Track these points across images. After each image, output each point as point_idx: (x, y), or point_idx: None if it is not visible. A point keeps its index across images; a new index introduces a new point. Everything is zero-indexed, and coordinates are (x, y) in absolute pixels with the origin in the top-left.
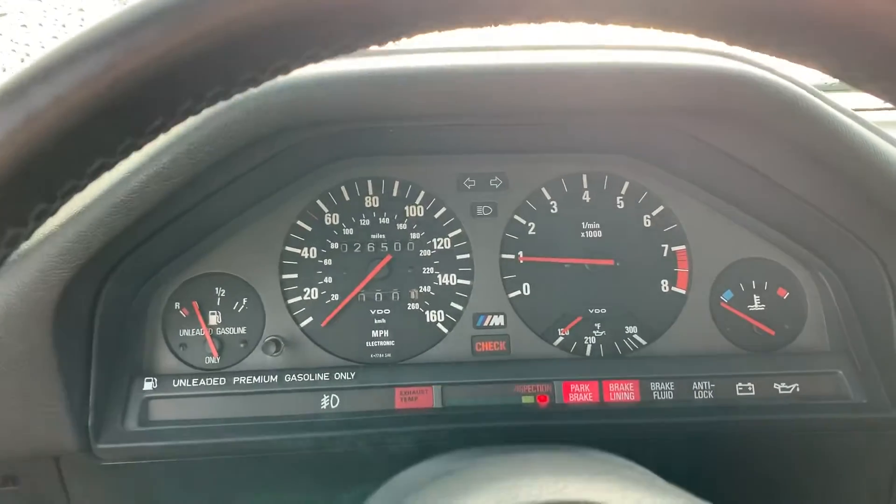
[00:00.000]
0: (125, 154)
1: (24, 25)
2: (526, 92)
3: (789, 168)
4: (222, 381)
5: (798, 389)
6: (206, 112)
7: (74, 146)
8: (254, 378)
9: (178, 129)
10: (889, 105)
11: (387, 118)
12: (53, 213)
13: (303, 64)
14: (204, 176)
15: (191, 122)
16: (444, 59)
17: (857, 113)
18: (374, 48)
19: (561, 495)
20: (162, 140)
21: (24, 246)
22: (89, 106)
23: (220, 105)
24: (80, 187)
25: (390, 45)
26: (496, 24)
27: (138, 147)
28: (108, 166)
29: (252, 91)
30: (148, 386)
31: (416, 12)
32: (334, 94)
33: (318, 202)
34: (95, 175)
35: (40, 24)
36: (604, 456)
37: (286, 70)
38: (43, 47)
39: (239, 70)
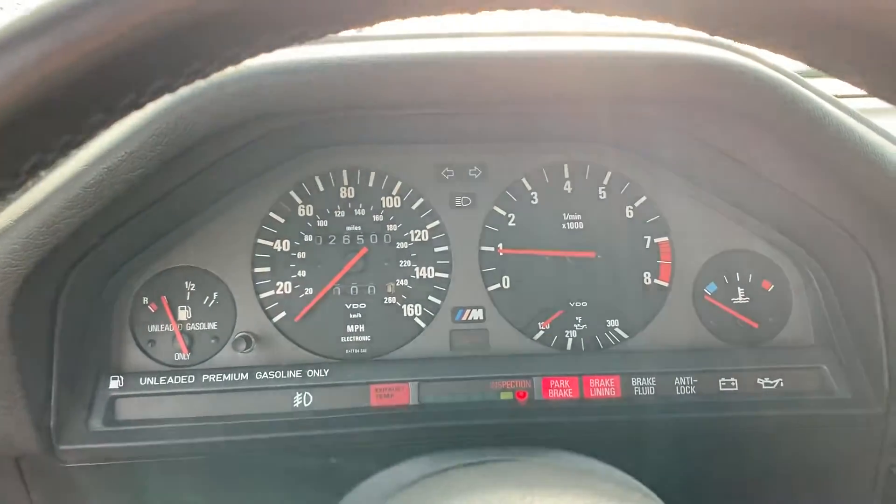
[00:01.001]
0: (63, 152)
1: None
2: (503, 79)
3: (773, 158)
4: (191, 378)
5: (782, 384)
6: (165, 102)
7: (9, 141)
8: (224, 376)
9: (133, 122)
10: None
11: (359, 107)
12: None
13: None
14: (169, 166)
15: (148, 112)
16: (416, 45)
17: (840, 100)
18: (344, 34)
19: None
20: (117, 133)
21: None
22: (20, 100)
23: (181, 93)
24: (13, 188)
25: (362, 31)
26: (491, 10)
27: (77, 144)
28: (45, 164)
29: (213, 79)
30: (114, 384)
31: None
32: (299, 83)
33: (292, 193)
34: (31, 175)
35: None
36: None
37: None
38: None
39: (186, 60)
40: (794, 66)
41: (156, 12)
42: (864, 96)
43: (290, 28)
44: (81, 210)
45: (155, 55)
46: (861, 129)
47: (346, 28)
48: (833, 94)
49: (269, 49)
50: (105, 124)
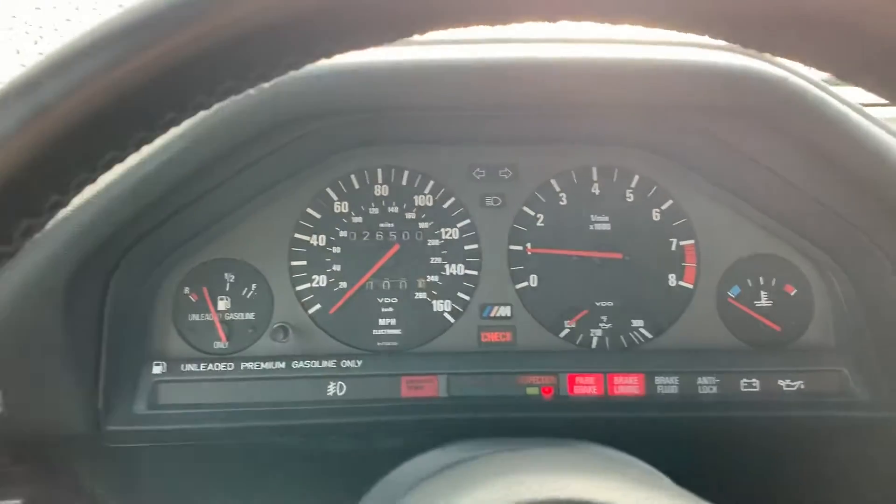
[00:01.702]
0: (137, 147)
1: (38, 8)
2: (536, 86)
3: (798, 164)
4: (230, 366)
5: (803, 386)
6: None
7: (87, 139)
8: (262, 364)
9: (188, 120)
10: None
11: (399, 110)
12: (66, 204)
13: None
14: (215, 164)
15: (202, 112)
16: (455, 51)
17: (865, 108)
18: None
19: (563, 493)
20: (173, 130)
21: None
22: (100, 100)
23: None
24: (92, 179)
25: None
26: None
27: (150, 140)
28: (119, 159)
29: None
30: (157, 370)
31: (430, 10)
32: (345, 86)
33: (328, 190)
34: (107, 167)
35: (54, 7)
36: (609, 453)
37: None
38: (56, 30)
39: (252, 66)
40: (819, 74)
41: (232, 19)
42: (887, 105)
43: (349, 37)
44: (134, 203)
45: (225, 59)
46: (882, 135)
47: (403, 36)
48: (857, 102)
49: (329, 55)
50: (175, 122)
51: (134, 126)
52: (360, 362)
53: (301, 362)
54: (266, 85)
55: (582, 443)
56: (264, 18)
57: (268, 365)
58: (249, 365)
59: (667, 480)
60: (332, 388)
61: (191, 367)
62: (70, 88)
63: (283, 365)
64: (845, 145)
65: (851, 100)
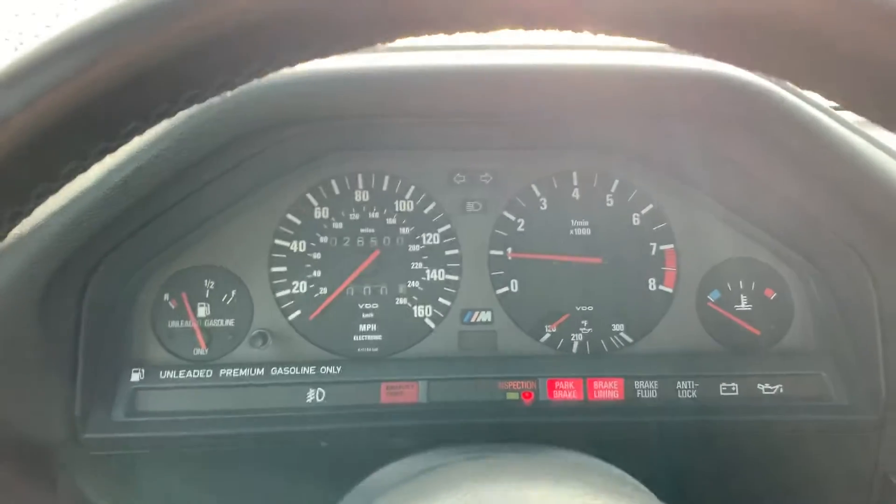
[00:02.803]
0: (98, 157)
1: (17, 14)
2: (517, 93)
3: (775, 169)
4: (209, 373)
5: (782, 390)
6: (190, 109)
7: (47, 150)
8: (241, 371)
9: (159, 127)
10: None
11: (377, 117)
12: (27, 214)
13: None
14: (191, 170)
15: (173, 118)
16: (432, 58)
17: (838, 112)
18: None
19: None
20: (144, 136)
21: (6, 242)
22: (59, 111)
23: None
24: (53, 190)
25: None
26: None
27: (112, 150)
28: (81, 168)
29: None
30: (135, 377)
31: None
32: (318, 93)
33: (308, 196)
34: (69, 177)
35: (33, 13)
36: (575, 458)
37: (264, 73)
38: (36, 36)
39: (214, 72)
40: None
41: (200, 24)
42: None
43: (309, 47)
44: (109, 209)
45: (187, 67)
46: (860, 143)
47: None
48: (831, 106)
49: (291, 64)
50: (138, 131)
51: (96, 136)
52: (339, 368)
53: (280, 369)
54: (229, 93)
55: (549, 448)
56: (224, 27)
57: (247, 372)
58: (228, 372)
59: (631, 483)
60: (312, 395)
61: (169, 373)
62: (26, 100)
63: (262, 372)
64: (819, 149)
65: (825, 104)
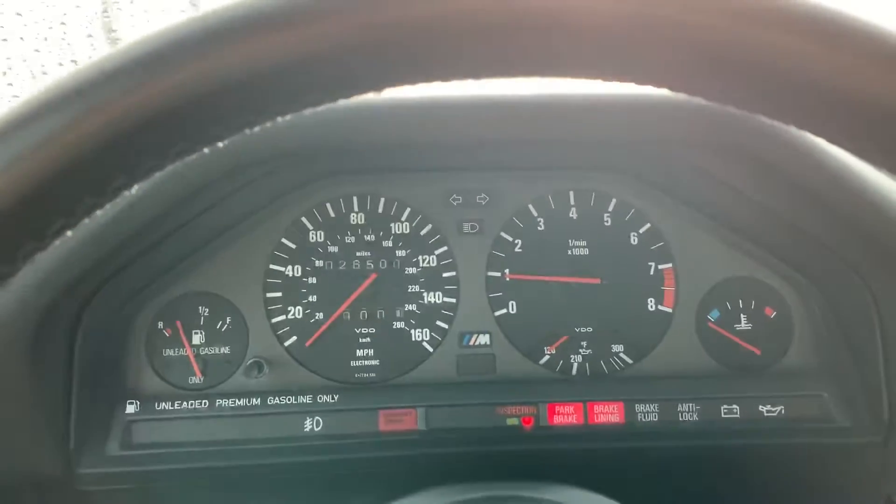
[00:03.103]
0: (85, 214)
1: (5, 39)
2: (518, 124)
3: (773, 191)
4: (205, 403)
5: (783, 412)
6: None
7: (31, 209)
8: (237, 401)
9: None
10: None
11: (373, 146)
12: (13, 275)
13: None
14: (185, 203)
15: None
16: (432, 89)
17: None
18: None
19: None
20: None
21: None
22: (42, 171)
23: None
24: (41, 248)
25: None
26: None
27: (100, 206)
28: (69, 226)
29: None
30: (130, 409)
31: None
32: (315, 127)
33: (303, 219)
34: (55, 236)
35: (21, 38)
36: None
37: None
38: (25, 60)
39: (206, 128)
40: None
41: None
42: None
43: (270, 108)
44: (101, 245)
45: (176, 124)
46: (858, 164)
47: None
48: None
49: (283, 115)
50: (127, 186)
51: (82, 192)
52: (336, 396)
53: (276, 398)
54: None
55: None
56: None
57: (243, 402)
58: (224, 402)
59: None
60: (309, 424)
61: (165, 404)
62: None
63: (258, 401)
64: (817, 172)
65: None
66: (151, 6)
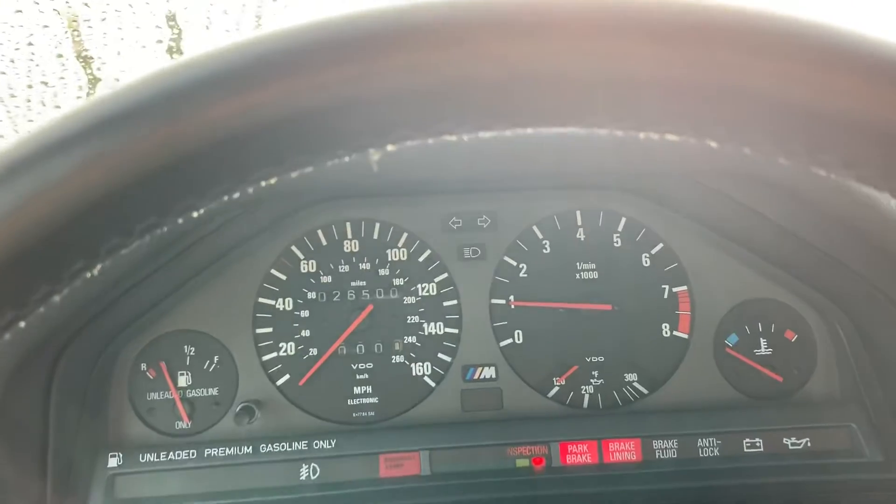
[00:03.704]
0: (73, 280)
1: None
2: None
3: (792, 213)
4: (193, 453)
5: (809, 444)
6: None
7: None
8: (227, 449)
9: None
10: None
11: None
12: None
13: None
14: (171, 245)
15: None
16: None
17: None
18: None
19: None
20: None
21: None
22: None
23: None
24: (21, 317)
25: None
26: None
27: (92, 269)
28: (54, 293)
29: None
30: (113, 462)
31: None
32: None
33: (294, 248)
34: (39, 303)
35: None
36: None
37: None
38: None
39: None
40: None
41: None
42: None
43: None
44: (80, 294)
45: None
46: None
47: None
48: None
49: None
50: (121, 247)
51: (72, 256)
52: (334, 442)
53: (269, 445)
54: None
55: None
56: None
57: (234, 450)
58: (213, 451)
59: None
60: (305, 472)
61: (150, 456)
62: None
63: (250, 449)
64: (841, 195)
65: None
66: (125, 24)
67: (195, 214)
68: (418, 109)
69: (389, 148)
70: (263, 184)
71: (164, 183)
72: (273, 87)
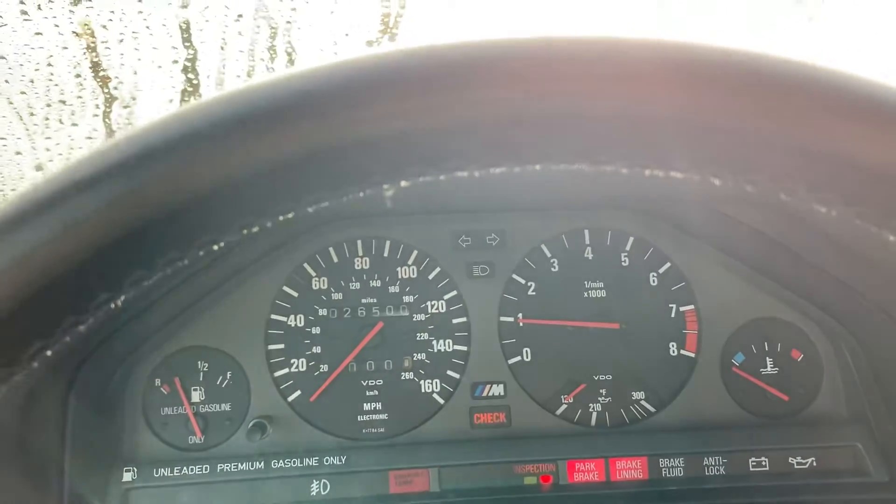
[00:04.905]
0: (96, 312)
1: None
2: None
3: (798, 236)
4: (206, 468)
5: (815, 463)
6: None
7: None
8: (239, 465)
9: None
10: None
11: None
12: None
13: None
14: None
15: None
16: None
17: None
18: None
19: None
20: None
21: None
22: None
23: None
24: (48, 346)
25: None
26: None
27: (113, 301)
28: (79, 323)
29: None
30: (127, 476)
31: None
32: None
33: (306, 266)
34: (64, 335)
35: (6, 82)
36: None
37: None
38: (11, 103)
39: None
40: None
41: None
42: None
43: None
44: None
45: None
46: None
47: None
48: None
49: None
50: (144, 279)
51: (94, 290)
52: (344, 458)
53: (281, 461)
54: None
55: None
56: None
57: (246, 465)
58: (226, 466)
59: None
60: (316, 487)
61: (164, 471)
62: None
63: (261, 465)
64: (849, 225)
65: None
66: (142, 44)
67: (215, 248)
68: (431, 150)
69: (403, 184)
70: (281, 218)
71: (185, 220)
72: (292, 130)
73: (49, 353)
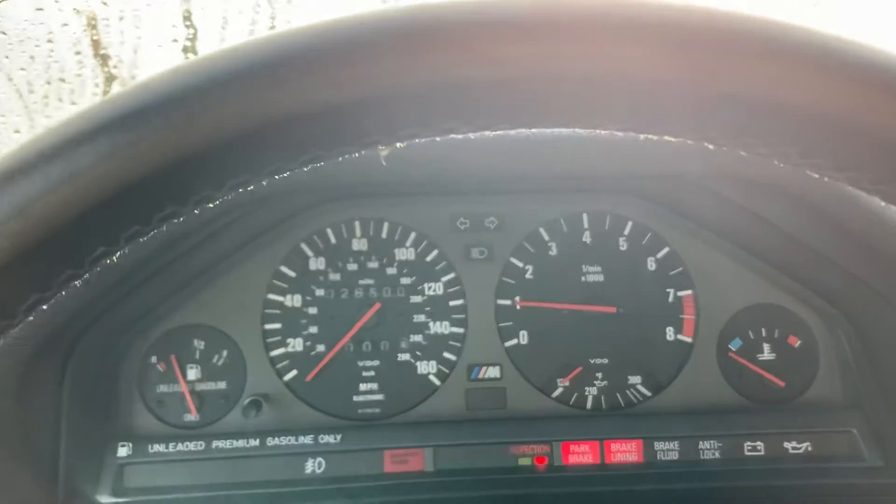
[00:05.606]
0: (92, 266)
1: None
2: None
3: (798, 219)
4: (201, 445)
5: (810, 448)
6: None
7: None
8: (234, 442)
9: None
10: None
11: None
12: (15, 326)
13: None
14: (181, 239)
15: None
16: None
17: None
18: None
19: None
20: None
21: None
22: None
23: None
24: (44, 300)
25: None
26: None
27: (110, 256)
28: (76, 277)
29: None
30: (122, 451)
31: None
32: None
33: (303, 246)
34: (63, 286)
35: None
36: None
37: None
38: (11, 79)
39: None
40: None
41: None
42: None
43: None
44: (91, 287)
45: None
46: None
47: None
48: None
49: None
50: (140, 235)
51: (94, 243)
52: (339, 436)
53: (276, 438)
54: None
55: None
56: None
57: (241, 443)
58: (221, 443)
59: None
60: (311, 466)
61: (159, 447)
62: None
63: (257, 442)
64: (846, 204)
65: None
66: (142, 23)
67: (211, 205)
68: (427, 108)
69: (398, 144)
70: (277, 177)
71: (181, 175)
72: (288, 85)
73: (45, 307)
